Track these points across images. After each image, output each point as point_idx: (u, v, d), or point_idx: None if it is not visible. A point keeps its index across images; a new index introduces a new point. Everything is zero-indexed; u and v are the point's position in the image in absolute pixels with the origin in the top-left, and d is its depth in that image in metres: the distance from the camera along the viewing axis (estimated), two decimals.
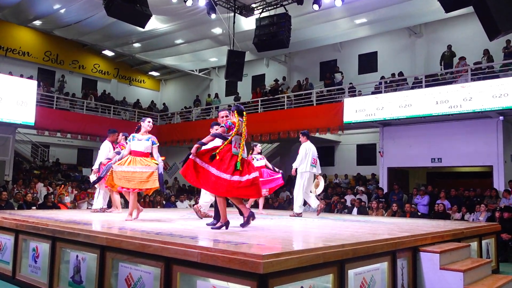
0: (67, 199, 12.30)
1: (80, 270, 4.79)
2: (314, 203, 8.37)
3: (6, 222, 6.08)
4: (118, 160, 6.54)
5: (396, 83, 15.36)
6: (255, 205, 10.52)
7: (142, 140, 6.52)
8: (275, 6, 14.16)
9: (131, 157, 6.46)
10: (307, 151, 8.24)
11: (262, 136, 16.59)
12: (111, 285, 4.41)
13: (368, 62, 18.70)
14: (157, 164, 6.45)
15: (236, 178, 4.88)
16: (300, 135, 8.50)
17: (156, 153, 6.58)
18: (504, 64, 13.35)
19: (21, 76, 17.39)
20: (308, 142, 8.40)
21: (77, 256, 4.86)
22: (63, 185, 13.41)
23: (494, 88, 11.74)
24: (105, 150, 7.97)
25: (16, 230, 5.87)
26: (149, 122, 6.64)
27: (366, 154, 17.56)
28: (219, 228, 5.09)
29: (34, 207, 10.77)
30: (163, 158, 6.75)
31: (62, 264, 5.09)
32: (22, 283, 5.60)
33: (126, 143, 6.92)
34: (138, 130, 6.68)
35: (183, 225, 5.88)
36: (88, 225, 5.29)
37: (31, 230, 5.55)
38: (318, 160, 8.40)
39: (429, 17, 15.78)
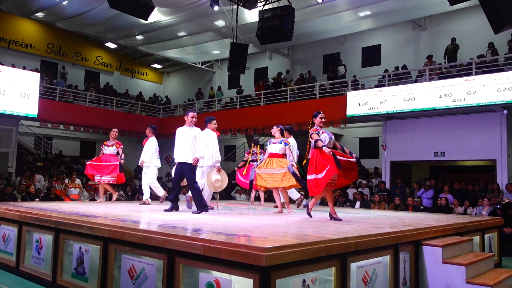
0: (72, 191, 12.31)
1: (83, 261, 4.82)
2: (295, 195, 8.72)
3: (10, 214, 6.11)
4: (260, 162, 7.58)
5: (399, 76, 15.28)
6: (257, 198, 10.53)
7: (276, 143, 7.47)
8: None
9: (269, 159, 7.39)
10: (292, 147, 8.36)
11: (265, 129, 16.56)
12: (114, 276, 4.44)
13: (371, 55, 18.61)
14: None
15: None
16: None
17: (289, 154, 7.43)
18: (508, 57, 13.25)
19: (24, 68, 17.37)
20: (291, 138, 8.45)
21: (80, 247, 4.88)
22: (75, 177, 13.42)
23: (499, 81, 11.66)
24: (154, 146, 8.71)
25: (19, 222, 5.90)
26: (277, 127, 7.69)
27: (369, 147, 17.51)
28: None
29: (37, 199, 10.82)
30: None
31: (65, 256, 5.12)
32: (26, 274, 5.64)
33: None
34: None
35: (185, 217, 5.90)
36: (91, 217, 5.31)
37: (34, 222, 5.58)
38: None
39: (434, 9, 15.67)
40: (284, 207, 7.68)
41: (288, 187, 7.42)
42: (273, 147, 7.44)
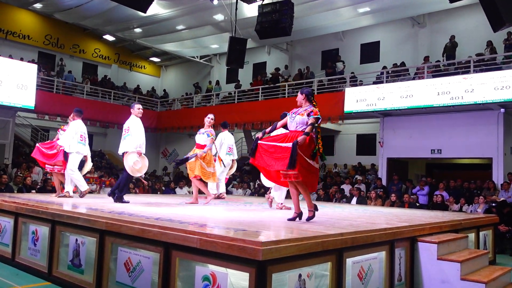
0: None
1: (80, 253, 4.82)
2: (223, 188, 8.98)
3: (6, 205, 6.10)
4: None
5: (397, 73, 15.29)
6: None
7: (201, 133, 7.47)
8: None
9: (194, 149, 7.41)
10: (222, 140, 8.69)
11: (262, 124, 16.56)
12: (110, 269, 4.44)
13: (370, 52, 18.58)
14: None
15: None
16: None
17: (208, 145, 7.39)
18: (506, 56, 13.27)
19: (21, 59, 17.28)
20: (226, 132, 8.87)
21: (76, 240, 4.88)
22: None
23: (496, 80, 11.68)
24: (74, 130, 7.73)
25: (16, 213, 5.89)
26: (208, 117, 7.52)
27: (366, 144, 17.54)
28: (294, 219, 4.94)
29: (34, 191, 10.79)
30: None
31: (61, 248, 5.12)
32: (22, 265, 5.63)
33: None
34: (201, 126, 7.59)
35: (182, 211, 5.90)
36: (87, 209, 5.30)
37: (30, 213, 5.57)
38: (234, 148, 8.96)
39: (433, 7, 15.65)
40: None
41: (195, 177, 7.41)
42: (198, 137, 7.47)
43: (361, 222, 5.24)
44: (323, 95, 16.04)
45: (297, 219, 4.96)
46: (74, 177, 7.58)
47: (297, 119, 4.93)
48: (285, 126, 5.23)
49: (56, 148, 7.67)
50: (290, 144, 4.65)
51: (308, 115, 4.89)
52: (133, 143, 6.72)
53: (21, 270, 5.57)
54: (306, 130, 4.75)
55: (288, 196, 5.70)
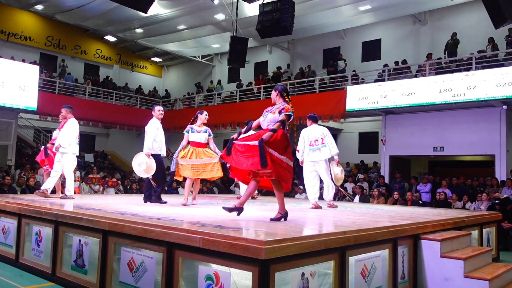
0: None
1: (83, 254, 4.83)
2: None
3: (9, 206, 6.11)
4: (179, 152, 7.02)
5: (399, 71, 15.27)
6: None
7: (200, 131, 7.05)
8: None
9: (193, 149, 6.95)
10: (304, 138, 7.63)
11: None
12: (113, 269, 4.45)
13: (371, 50, 18.57)
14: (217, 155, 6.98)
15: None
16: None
17: (212, 144, 7.11)
18: (508, 52, 13.24)
19: (23, 61, 17.33)
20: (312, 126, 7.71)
21: (79, 240, 4.89)
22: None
23: (498, 76, 11.66)
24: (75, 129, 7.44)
25: (19, 214, 5.91)
26: (206, 114, 7.18)
27: (368, 142, 17.52)
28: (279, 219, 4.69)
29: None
30: None
31: (65, 248, 5.13)
32: (25, 266, 5.65)
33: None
34: (194, 121, 7.16)
35: (185, 210, 5.90)
36: (90, 210, 5.31)
37: (34, 214, 5.58)
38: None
39: (434, 4, 15.63)
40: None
41: (210, 179, 7.41)
42: (196, 135, 7.04)
43: (363, 220, 5.24)
44: (325, 93, 16.04)
45: (282, 219, 4.74)
46: (70, 177, 7.27)
47: (269, 118, 4.79)
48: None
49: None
50: (257, 142, 4.48)
51: (280, 112, 4.75)
52: (145, 144, 6.82)
53: (25, 271, 5.58)
54: (273, 127, 4.60)
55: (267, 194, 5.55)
